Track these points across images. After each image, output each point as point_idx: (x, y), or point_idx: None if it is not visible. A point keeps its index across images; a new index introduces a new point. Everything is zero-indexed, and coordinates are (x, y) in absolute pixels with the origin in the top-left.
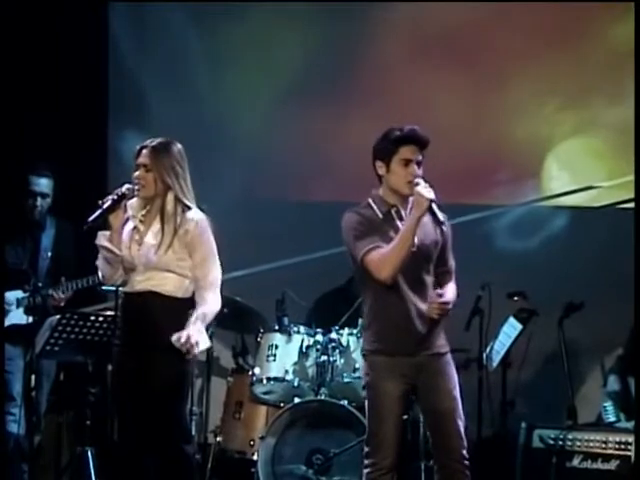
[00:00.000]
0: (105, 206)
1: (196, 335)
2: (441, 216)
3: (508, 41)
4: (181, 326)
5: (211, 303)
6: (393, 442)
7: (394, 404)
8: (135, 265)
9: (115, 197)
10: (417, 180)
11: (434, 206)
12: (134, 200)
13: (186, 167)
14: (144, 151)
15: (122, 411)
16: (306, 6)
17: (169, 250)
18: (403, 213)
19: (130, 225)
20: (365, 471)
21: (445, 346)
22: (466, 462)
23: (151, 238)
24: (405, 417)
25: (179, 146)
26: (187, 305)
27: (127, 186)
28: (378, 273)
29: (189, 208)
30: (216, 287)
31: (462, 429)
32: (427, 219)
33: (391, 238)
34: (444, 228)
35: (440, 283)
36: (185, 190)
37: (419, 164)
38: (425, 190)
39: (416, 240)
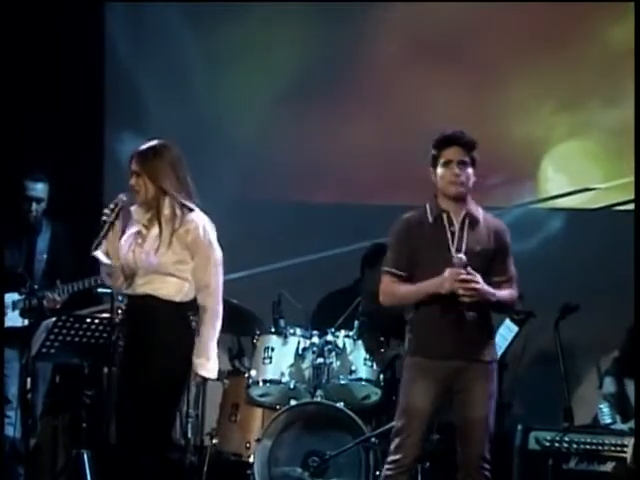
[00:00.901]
0: (106, 227)
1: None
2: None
3: (505, 43)
4: (178, 330)
5: (213, 314)
6: (417, 443)
7: (423, 407)
8: (137, 269)
9: (111, 211)
10: (460, 259)
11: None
12: (136, 205)
13: (183, 168)
14: (134, 157)
15: (120, 412)
16: (304, 6)
17: (168, 252)
18: (454, 219)
19: (133, 230)
20: (385, 467)
21: (487, 355)
22: (485, 472)
23: (151, 242)
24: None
25: (173, 148)
26: (186, 309)
27: (121, 196)
28: (380, 296)
29: (191, 210)
30: (218, 293)
31: (486, 439)
32: (481, 226)
33: (436, 243)
34: (500, 237)
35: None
36: (183, 192)
37: (464, 164)
38: (460, 286)
39: (464, 247)
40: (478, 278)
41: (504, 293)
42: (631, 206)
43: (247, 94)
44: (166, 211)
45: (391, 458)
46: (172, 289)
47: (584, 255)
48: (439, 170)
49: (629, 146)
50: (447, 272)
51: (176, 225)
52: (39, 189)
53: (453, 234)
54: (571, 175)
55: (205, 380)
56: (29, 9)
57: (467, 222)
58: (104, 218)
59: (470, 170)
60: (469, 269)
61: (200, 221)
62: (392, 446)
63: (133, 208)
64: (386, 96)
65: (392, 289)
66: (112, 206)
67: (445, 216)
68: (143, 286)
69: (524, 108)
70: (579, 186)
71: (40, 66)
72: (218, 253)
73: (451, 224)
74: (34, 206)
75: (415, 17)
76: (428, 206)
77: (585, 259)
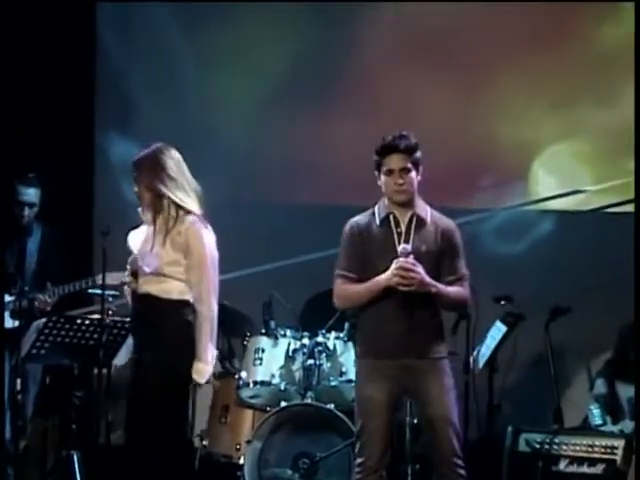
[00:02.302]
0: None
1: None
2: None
3: (494, 43)
4: (177, 327)
5: (205, 320)
6: (378, 442)
7: (378, 405)
8: (138, 269)
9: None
10: (404, 248)
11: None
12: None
13: (179, 171)
14: (132, 165)
15: (129, 411)
16: (294, 7)
17: (161, 254)
18: (400, 220)
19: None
20: (355, 471)
21: (438, 352)
22: (457, 468)
23: (149, 243)
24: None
25: (169, 152)
26: (184, 306)
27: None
28: (334, 298)
29: (189, 212)
30: (211, 294)
31: (453, 434)
32: (428, 226)
33: (384, 245)
34: (448, 236)
35: None
36: (180, 194)
37: (406, 170)
38: (397, 272)
39: (409, 247)
40: (418, 268)
41: (449, 288)
42: (622, 208)
43: (237, 95)
44: (164, 214)
45: (357, 461)
46: (169, 288)
47: (575, 257)
48: (382, 178)
49: (620, 148)
50: (394, 263)
51: (170, 226)
52: (31, 194)
53: (400, 235)
54: (562, 177)
55: (197, 384)
56: (20, 10)
57: (414, 223)
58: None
59: (413, 174)
60: (411, 258)
61: (195, 224)
62: (356, 450)
63: (140, 209)
64: (376, 97)
65: (345, 291)
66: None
67: (392, 218)
68: (143, 285)
69: (514, 109)
70: (570, 188)
71: (31, 67)
72: (212, 257)
73: (397, 225)
74: (26, 211)
75: (405, 18)
76: (377, 208)
77: (576, 261)
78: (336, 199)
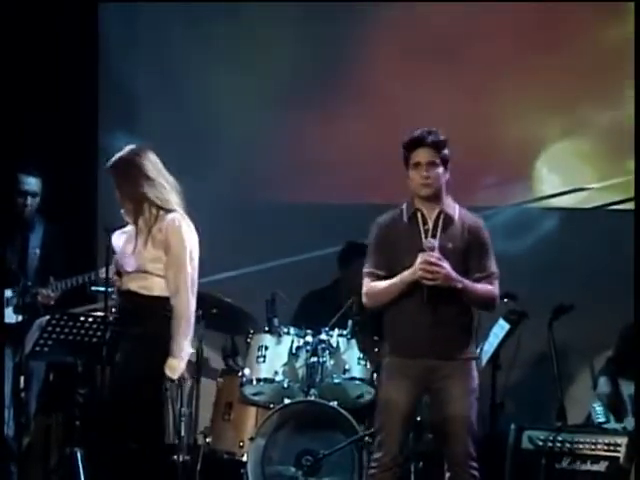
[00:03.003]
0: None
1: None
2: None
3: (497, 43)
4: (156, 323)
5: (180, 316)
6: (396, 441)
7: (399, 404)
8: (121, 267)
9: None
10: (429, 242)
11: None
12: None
13: (156, 171)
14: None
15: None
16: (297, 7)
17: (144, 252)
18: (428, 217)
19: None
20: (370, 465)
21: (463, 352)
22: (471, 469)
23: (131, 242)
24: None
25: (144, 153)
26: (162, 302)
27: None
28: (363, 298)
29: (169, 211)
30: (186, 291)
31: (469, 435)
32: (455, 224)
33: (411, 242)
34: (476, 234)
35: None
36: (160, 194)
37: (433, 165)
38: (422, 266)
39: (434, 242)
40: (443, 263)
41: (477, 285)
42: (625, 206)
43: (239, 95)
44: (145, 215)
45: (374, 457)
46: (152, 285)
47: (578, 255)
48: (410, 172)
49: (623, 146)
50: (419, 257)
51: (151, 225)
52: (33, 183)
53: (427, 232)
54: (565, 175)
55: (169, 380)
56: (23, 9)
57: (441, 220)
58: None
59: (440, 170)
60: (436, 253)
61: (175, 221)
62: (374, 445)
63: (123, 211)
64: (379, 97)
65: (372, 289)
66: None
67: (419, 215)
68: (126, 283)
69: (518, 108)
70: (573, 186)
71: (34, 66)
72: (191, 253)
73: (425, 222)
74: (29, 200)
75: (408, 18)
76: (405, 206)
77: (579, 259)
78: (339, 198)
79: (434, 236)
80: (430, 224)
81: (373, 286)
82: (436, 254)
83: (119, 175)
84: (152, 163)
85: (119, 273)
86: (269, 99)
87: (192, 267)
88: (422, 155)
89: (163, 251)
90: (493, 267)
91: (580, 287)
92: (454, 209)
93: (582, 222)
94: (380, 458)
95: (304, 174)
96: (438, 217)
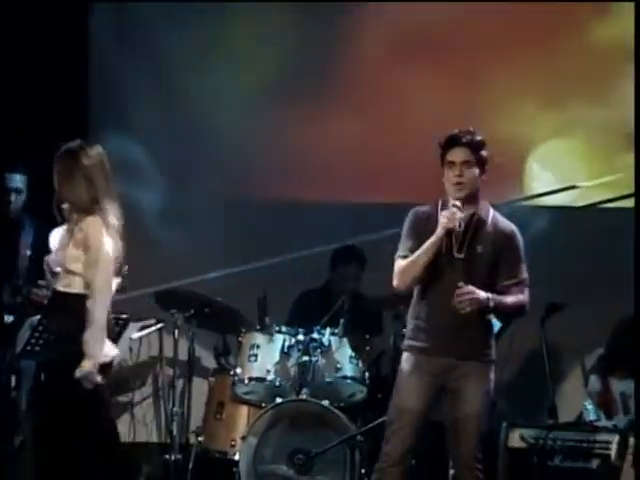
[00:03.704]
0: None
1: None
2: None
3: (488, 40)
4: (74, 320)
5: (91, 317)
6: (407, 437)
7: (414, 400)
8: (50, 268)
9: None
10: (455, 203)
11: (455, 231)
12: None
13: (95, 170)
14: None
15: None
16: (288, 5)
17: (65, 251)
18: (461, 217)
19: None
20: (380, 459)
21: (483, 354)
22: (476, 471)
23: (57, 241)
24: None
25: (84, 150)
26: (82, 300)
27: None
28: (394, 280)
29: (90, 213)
30: (100, 296)
31: (477, 436)
32: (487, 228)
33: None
34: (507, 239)
35: (504, 294)
36: (87, 194)
37: (468, 165)
38: (446, 216)
39: (465, 247)
40: (470, 288)
41: (507, 298)
42: (617, 204)
43: (231, 93)
44: (73, 212)
45: (383, 450)
46: (71, 283)
47: (570, 253)
48: (445, 171)
49: (615, 144)
50: (442, 214)
51: (74, 223)
52: (17, 180)
53: (458, 234)
54: (556, 173)
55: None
56: (14, 9)
57: (473, 222)
58: None
59: (475, 171)
60: (461, 284)
61: (95, 222)
62: (384, 438)
63: (63, 206)
64: (370, 95)
65: (401, 266)
66: None
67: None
68: (54, 282)
69: (509, 106)
70: (564, 184)
71: (25, 65)
72: (106, 259)
73: (458, 223)
74: (13, 197)
75: (398, 15)
76: (440, 202)
77: (571, 257)
78: (330, 197)
79: (463, 241)
80: (462, 225)
81: (401, 264)
82: (467, 287)
83: (57, 169)
84: (92, 161)
85: (53, 273)
86: (258, 98)
87: (108, 271)
88: (457, 155)
89: (82, 250)
90: (524, 274)
91: (572, 285)
92: (488, 213)
93: (574, 220)
94: (389, 452)
95: (295, 173)
96: (471, 219)
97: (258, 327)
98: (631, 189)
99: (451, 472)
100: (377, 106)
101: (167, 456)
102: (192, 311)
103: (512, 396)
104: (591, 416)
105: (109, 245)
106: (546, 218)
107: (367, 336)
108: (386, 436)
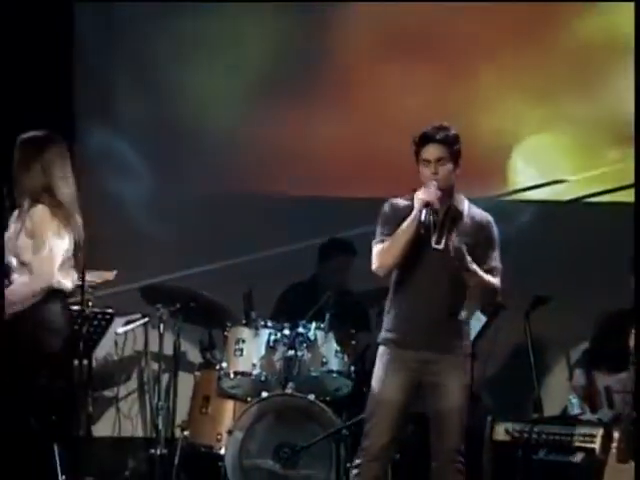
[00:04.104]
0: None
1: None
2: (424, 217)
3: (474, 35)
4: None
5: (16, 291)
6: (385, 432)
7: (392, 394)
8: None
9: None
10: (432, 182)
11: (425, 210)
12: None
13: (36, 160)
14: None
15: None
16: (273, 3)
17: (18, 241)
18: (438, 209)
19: None
20: (358, 454)
21: (459, 347)
22: (458, 464)
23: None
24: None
25: (30, 138)
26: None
27: None
28: (373, 263)
29: (39, 202)
30: (36, 280)
31: (459, 430)
32: (464, 220)
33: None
34: (483, 230)
35: None
36: (31, 184)
37: (442, 161)
38: (422, 193)
39: (443, 239)
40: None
41: (482, 273)
42: (602, 198)
43: (217, 89)
44: (23, 202)
45: (361, 445)
46: (26, 272)
47: (554, 247)
48: (420, 168)
49: (600, 138)
50: (418, 193)
51: (23, 213)
52: None
53: (435, 224)
54: (541, 167)
55: None
56: None
57: (450, 214)
58: None
59: (449, 166)
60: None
61: (40, 212)
62: (363, 434)
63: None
64: (355, 90)
65: (379, 249)
66: None
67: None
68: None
69: (494, 100)
70: (549, 178)
71: (9, 63)
72: (50, 247)
73: (435, 214)
74: None
75: (385, 11)
76: (415, 193)
77: (556, 251)
78: (316, 191)
79: (441, 234)
80: (439, 218)
81: (379, 247)
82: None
83: (17, 156)
84: (52, 152)
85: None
86: (249, 92)
87: (50, 260)
88: (431, 152)
89: (30, 239)
90: (497, 262)
91: (557, 279)
92: (464, 205)
93: (559, 214)
94: (368, 447)
95: (285, 167)
96: (447, 212)
97: (244, 321)
98: (616, 183)
99: (433, 465)
100: (362, 102)
101: (152, 451)
102: (178, 305)
103: (497, 390)
104: (576, 410)
105: (58, 236)
106: (531, 212)
107: (353, 331)
108: (365, 431)
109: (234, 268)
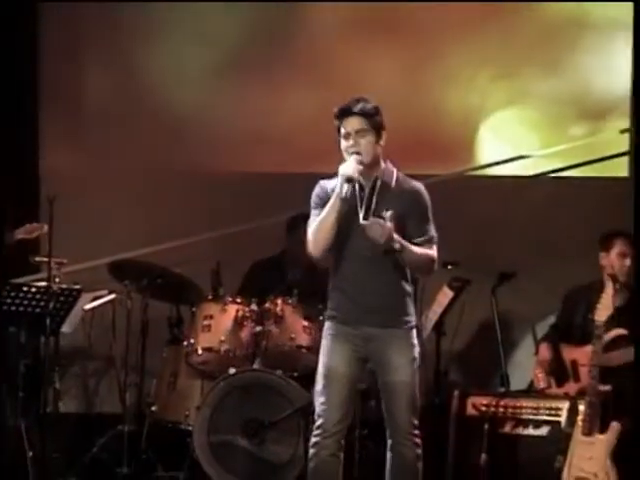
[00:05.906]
0: None
1: None
2: (345, 191)
3: (441, 11)
4: None
5: None
6: (337, 407)
7: (339, 370)
8: None
9: None
10: (355, 155)
11: (347, 185)
12: None
13: None
14: None
15: None
16: None
17: None
18: (364, 184)
19: None
20: (313, 434)
21: (402, 320)
22: (413, 437)
23: None
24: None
25: None
26: None
27: None
28: (309, 247)
29: None
30: None
31: (411, 404)
32: (393, 190)
33: (348, 208)
34: (414, 199)
35: None
36: None
37: (363, 133)
38: (342, 167)
39: (371, 211)
40: (382, 221)
41: (415, 247)
42: (567, 173)
43: (185, 65)
44: None
45: (315, 424)
46: None
47: (521, 222)
48: (342, 142)
49: (565, 114)
50: (340, 167)
51: None
52: None
53: (362, 199)
54: (508, 143)
55: None
56: None
57: (377, 187)
58: None
59: (370, 137)
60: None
61: None
62: (315, 412)
63: None
64: (323, 66)
65: (311, 229)
66: None
67: (356, 182)
68: None
69: (460, 76)
70: (516, 154)
71: None
72: None
73: (361, 189)
74: None
75: None
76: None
77: (522, 226)
78: (286, 167)
79: (369, 204)
80: (366, 191)
81: (312, 227)
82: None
83: None
84: None
85: None
86: (218, 69)
87: None
88: (350, 124)
89: None
90: (432, 231)
91: (523, 254)
92: (391, 176)
93: (525, 190)
94: (322, 425)
95: (254, 144)
96: (374, 185)
97: (211, 297)
98: (581, 158)
99: (389, 442)
100: (332, 78)
101: (121, 427)
102: (145, 282)
103: (464, 365)
104: (542, 384)
105: None
106: (498, 188)
107: (321, 306)
108: (317, 409)
109: (202, 244)
